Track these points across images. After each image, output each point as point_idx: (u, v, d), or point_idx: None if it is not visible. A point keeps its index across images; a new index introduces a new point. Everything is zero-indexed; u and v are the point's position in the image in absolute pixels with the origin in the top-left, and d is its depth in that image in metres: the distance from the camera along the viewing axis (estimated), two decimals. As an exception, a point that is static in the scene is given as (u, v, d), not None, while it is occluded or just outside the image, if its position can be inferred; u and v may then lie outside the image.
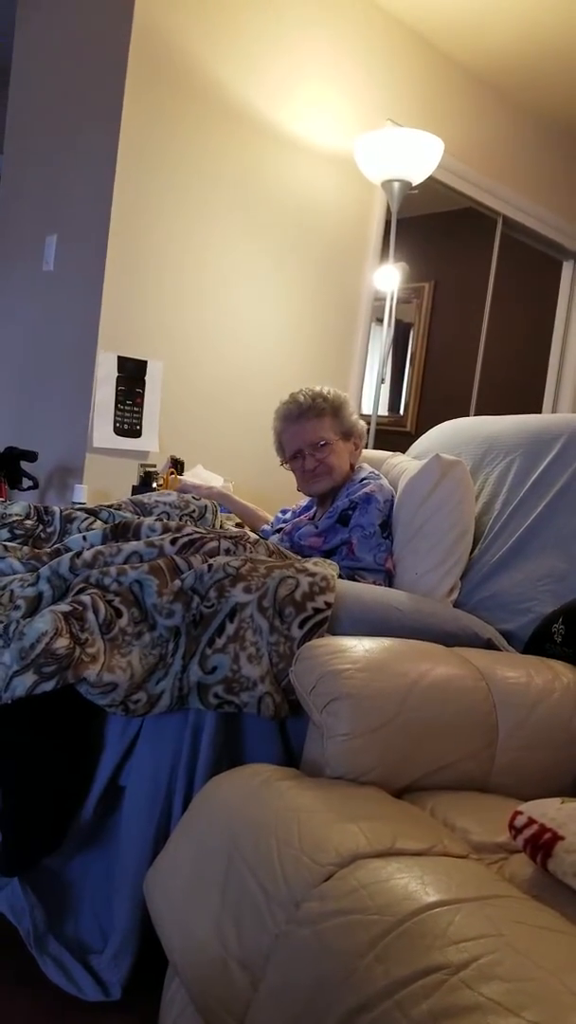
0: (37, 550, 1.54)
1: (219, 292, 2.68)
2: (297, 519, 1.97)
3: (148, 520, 1.54)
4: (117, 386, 2.46)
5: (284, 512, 2.09)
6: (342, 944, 0.71)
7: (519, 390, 4.09)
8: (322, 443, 1.83)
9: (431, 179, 2.91)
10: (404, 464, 1.95)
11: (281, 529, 1.98)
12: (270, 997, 0.74)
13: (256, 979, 0.76)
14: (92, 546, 1.47)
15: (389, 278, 3.04)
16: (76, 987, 1.23)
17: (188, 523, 1.59)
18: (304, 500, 2.08)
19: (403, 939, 0.68)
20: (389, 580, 1.68)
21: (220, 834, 0.93)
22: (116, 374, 2.46)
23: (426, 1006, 0.61)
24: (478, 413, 3.45)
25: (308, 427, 1.84)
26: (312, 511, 1.99)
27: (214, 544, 1.44)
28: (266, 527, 2.08)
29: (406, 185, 2.75)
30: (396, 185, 2.74)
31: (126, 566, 1.35)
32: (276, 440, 1.94)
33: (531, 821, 0.86)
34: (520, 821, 0.87)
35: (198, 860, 0.93)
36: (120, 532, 1.52)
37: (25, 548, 1.55)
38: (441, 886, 0.75)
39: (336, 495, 1.86)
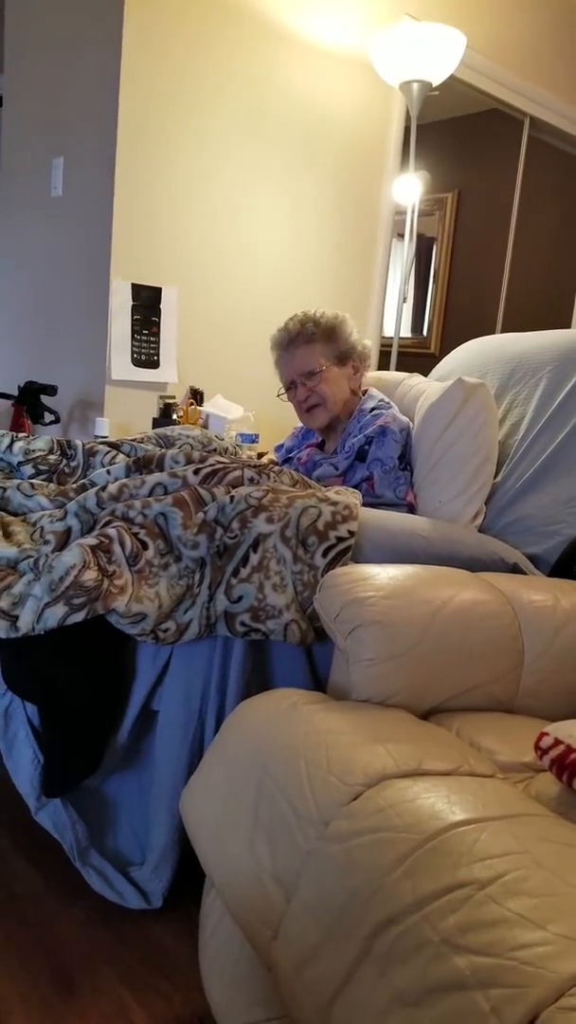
0: (63, 486, 1.56)
1: (232, 211, 2.59)
2: (308, 448, 1.92)
3: (171, 451, 1.54)
4: (132, 315, 2.42)
5: (279, 449, 2.04)
6: (370, 861, 0.73)
7: (548, 305, 3.96)
8: (313, 371, 1.78)
9: (452, 79, 2.75)
10: (421, 386, 1.90)
11: (289, 460, 1.95)
12: (303, 910, 0.77)
13: (289, 893, 0.80)
14: (116, 479, 1.48)
15: (410, 189, 2.92)
16: (119, 896, 1.30)
17: (211, 456, 1.58)
18: (297, 426, 2.02)
19: (430, 856, 0.70)
20: (411, 513, 1.67)
21: (251, 756, 0.96)
22: (131, 303, 2.41)
23: (453, 920, 0.63)
24: (505, 331, 3.35)
25: (298, 355, 1.79)
26: (317, 439, 1.94)
27: (237, 473, 1.44)
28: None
29: (426, 86, 2.61)
30: (415, 86, 2.60)
31: (151, 499, 1.36)
32: (276, 370, 1.89)
33: (557, 742, 0.87)
34: (546, 742, 0.88)
35: (230, 781, 0.96)
36: (143, 464, 1.52)
37: (52, 485, 1.56)
38: (467, 805, 0.76)
39: (347, 424, 1.81)
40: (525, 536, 1.55)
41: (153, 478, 1.42)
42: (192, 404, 2.34)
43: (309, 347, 1.78)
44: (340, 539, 1.29)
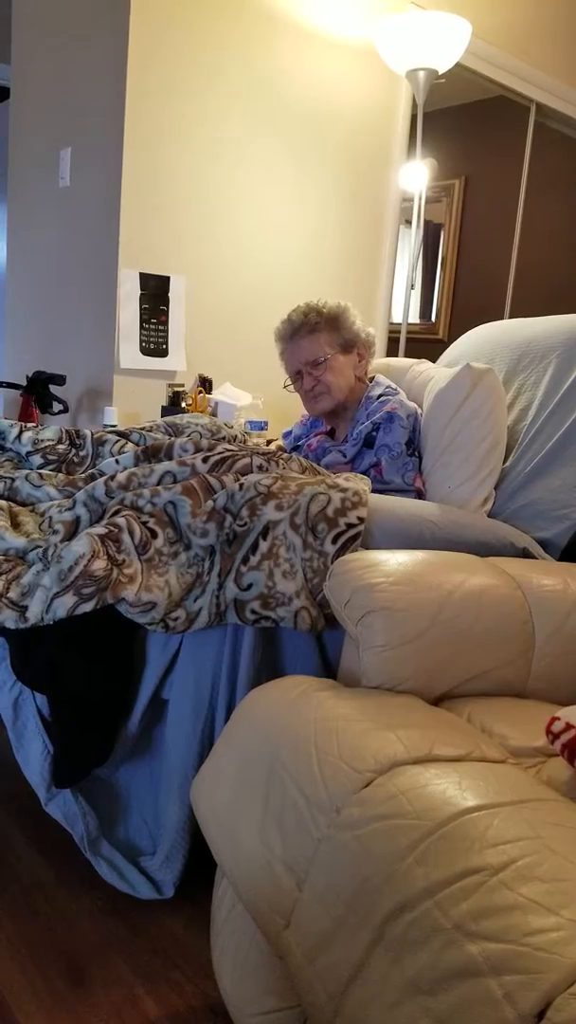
0: (72, 476, 1.55)
1: (239, 200, 2.58)
2: (317, 436, 1.92)
3: (180, 440, 1.53)
4: (140, 304, 2.41)
5: (287, 436, 2.04)
6: (382, 848, 0.72)
7: (555, 290, 3.93)
8: (318, 360, 1.78)
9: (459, 66, 2.73)
10: (430, 372, 1.89)
11: (297, 447, 1.94)
12: (315, 898, 0.76)
13: (300, 881, 0.79)
14: (125, 468, 1.47)
15: (417, 176, 2.90)
16: (130, 887, 1.30)
17: (220, 444, 1.58)
18: (305, 414, 2.02)
19: (442, 842, 0.69)
20: (419, 498, 1.66)
21: (261, 744, 0.95)
22: (139, 292, 2.41)
23: (465, 906, 0.63)
24: (513, 317, 3.32)
25: (303, 344, 1.79)
26: (326, 427, 1.93)
27: (246, 461, 1.43)
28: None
29: (432, 74, 2.59)
30: (421, 75, 2.58)
31: (159, 487, 1.35)
32: (282, 362, 1.90)
33: (568, 726, 0.86)
34: (557, 726, 0.87)
35: (241, 769, 0.96)
36: (152, 453, 1.51)
37: (60, 475, 1.56)
38: (479, 791, 0.75)
39: (354, 412, 1.81)
40: (535, 520, 1.54)
41: (162, 467, 1.42)
42: (201, 392, 2.33)
43: (313, 336, 1.78)
44: (350, 525, 1.28)
